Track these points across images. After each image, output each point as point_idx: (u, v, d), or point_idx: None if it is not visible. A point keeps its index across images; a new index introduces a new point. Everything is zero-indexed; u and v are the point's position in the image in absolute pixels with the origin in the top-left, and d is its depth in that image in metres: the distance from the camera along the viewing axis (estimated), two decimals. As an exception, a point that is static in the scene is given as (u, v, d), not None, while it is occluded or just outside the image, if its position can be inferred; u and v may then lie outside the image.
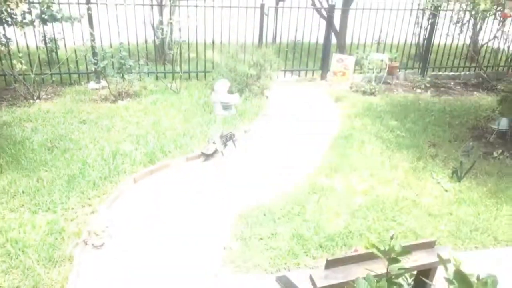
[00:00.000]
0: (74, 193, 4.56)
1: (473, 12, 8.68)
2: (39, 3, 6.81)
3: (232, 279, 3.65)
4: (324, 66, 8.85)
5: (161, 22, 8.35)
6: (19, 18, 6.79)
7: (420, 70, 9.48)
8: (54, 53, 7.91)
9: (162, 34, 8.25)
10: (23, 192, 4.53)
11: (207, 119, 6.45)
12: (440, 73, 9.67)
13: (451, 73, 9.77)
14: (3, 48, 7.01)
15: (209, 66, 8.21)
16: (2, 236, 3.88)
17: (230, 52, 7.91)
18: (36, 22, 6.98)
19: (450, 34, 9.26)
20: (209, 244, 4.05)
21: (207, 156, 5.49)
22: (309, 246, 4.04)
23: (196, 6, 7.75)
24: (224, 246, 4.03)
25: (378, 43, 9.24)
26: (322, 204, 4.66)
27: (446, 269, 2.01)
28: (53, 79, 7.53)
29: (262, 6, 8.20)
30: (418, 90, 8.72)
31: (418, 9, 9.26)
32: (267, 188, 4.96)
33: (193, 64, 8.29)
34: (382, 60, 8.64)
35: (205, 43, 8.08)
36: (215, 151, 5.50)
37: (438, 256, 2.12)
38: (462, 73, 9.84)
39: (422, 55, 9.49)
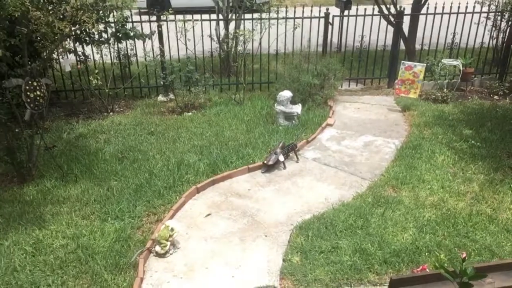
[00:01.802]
0: (140, 202, 4.75)
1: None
2: (114, 22, 7.25)
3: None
4: (392, 73, 8.52)
5: (226, 36, 8.53)
6: (96, 37, 7.28)
7: (498, 75, 8.82)
8: (127, 69, 8.36)
9: (227, 47, 8.42)
10: (94, 200, 4.80)
11: (269, 129, 6.45)
12: (521, 78, 8.94)
13: (534, 78, 9.00)
14: (81, 65, 7.54)
15: (272, 77, 8.24)
16: (74, 242, 4.12)
17: (294, 62, 7.89)
18: (111, 40, 7.45)
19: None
20: (268, 255, 4.02)
21: (269, 167, 5.47)
22: (373, 261, 3.87)
23: (261, 18, 7.83)
24: (283, 258, 3.98)
25: (451, 48, 8.75)
26: (387, 217, 4.45)
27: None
28: (126, 93, 7.95)
29: (326, 16, 8.09)
30: (496, 97, 8.11)
31: (496, 12, 8.66)
32: (329, 199, 4.84)
33: (257, 75, 8.37)
34: (455, 66, 8.16)
35: (269, 54, 8.13)
36: (277, 162, 5.47)
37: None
38: (547, 77, 9.02)
39: (501, 60, 8.84)
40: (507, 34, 8.67)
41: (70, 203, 4.74)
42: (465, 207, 4.63)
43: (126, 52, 8.07)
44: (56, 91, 7.78)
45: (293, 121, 6.64)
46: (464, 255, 2.21)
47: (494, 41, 9.09)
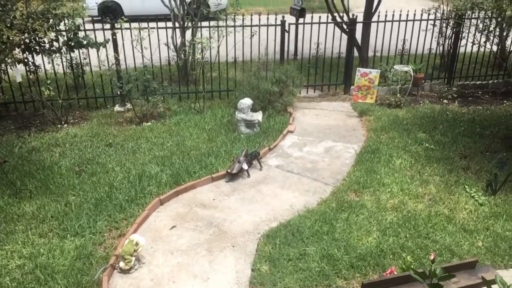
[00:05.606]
0: (101, 217, 4.58)
1: (499, 19, 8.47)
2: (65, 30, 6.99)
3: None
4: (347, 80, 8.74)
5: (183, 44, 8.45)
6: (47, 46, 6.99)
7: (446, 80, 9.26)
8: (80, 78, 8.08)
9: (184, 56, 8.33)
10: (51, 216, 4.59)
11: (231, 138, 6.42)
12: (467, 82, 9.42)
13: (478, 82, 9.50)
14: (32, 75, 7.21)
15: (231, 84, 8.23)
16: (32, 262, 3.92)
17: (252, 70, 7.91)
18: (63, 49, 7.17)
19: (476, 43, 9.04)
20: (236, 265, 3.98)
21: (233, 176, 5.45)
22: (340, 266, 3.93)
23: (218, 26, 7.80)
24: (252, 267, 3.96)
25: (402, 55, 9.10)
26: (351, 221, 4.54)
27: (491, 292, 1.89)
28: (80, 103, 7.68)
29: (282, 23, 8.20)
30: (445, 101, 8.51)
31: (442, 19, 9.10)
32: (294, 206, 4.87)
33: (216, 84, 8.33)
34: (406, 72, 8.49)
35: (227, 62, 8.12)
36: (241, 170, 5.46)
37: (482, 278, 2.00)
38: (490, 81, 9.55)
39: (448, 65, 9.29)
40: (452, 40, 9.13)
41: (25, 220, 4.50)
42: (424, 208, 4.80)
43: (79, 61, 7.81)
44: (5, 103, 7.40)
45: (255, 129, 6.66)
46: (433, 257, 2.28)
47: (441, 48, 9.55)
